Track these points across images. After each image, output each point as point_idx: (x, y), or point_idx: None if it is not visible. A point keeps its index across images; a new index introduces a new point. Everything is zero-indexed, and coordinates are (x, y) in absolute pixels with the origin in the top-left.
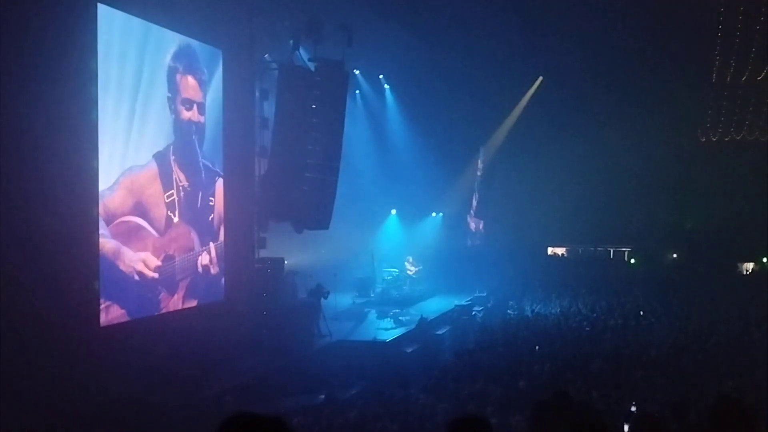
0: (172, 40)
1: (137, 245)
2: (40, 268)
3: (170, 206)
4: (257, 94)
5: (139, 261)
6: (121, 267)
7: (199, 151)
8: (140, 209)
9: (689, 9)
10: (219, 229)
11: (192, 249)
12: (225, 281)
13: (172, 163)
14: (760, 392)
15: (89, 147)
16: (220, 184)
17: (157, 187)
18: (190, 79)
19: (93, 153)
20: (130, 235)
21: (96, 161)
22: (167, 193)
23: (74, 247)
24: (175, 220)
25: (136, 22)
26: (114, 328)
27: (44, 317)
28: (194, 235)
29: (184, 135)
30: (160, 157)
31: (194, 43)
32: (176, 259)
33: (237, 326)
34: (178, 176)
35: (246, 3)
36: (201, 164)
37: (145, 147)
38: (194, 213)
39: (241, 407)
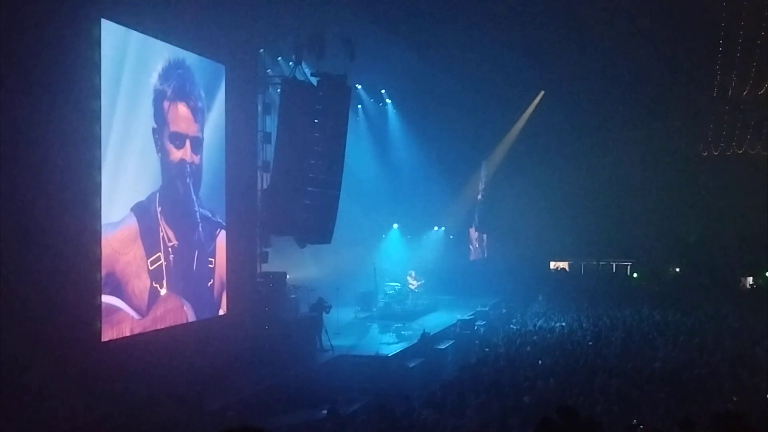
0: (162, 56)
1: (109, 333)
2: (41, 282)
3: (155, 275)
4: (260, 108)
5: None
6: None
7: (195, 197)
8: (113, 284)
9: (691, 24)
10: (221, 299)
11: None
12: (227, 296)
13: (159, 216)
14: (764, 408)
15: (92, 162)
16: (222, 238)
17: (137, 250)
18: (182, 108)
19: (96, 168)
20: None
21: (99, 175)
22: (152, 258)
23: (75, 263)
24: (163, 292)
25: (130, 36)
26: (115, 342)
27: (45, 332)
28: (188, 310)
29: (175, 177)
30: (140, 210)
31: (195, 59)
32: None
33: (239, 341)
34: (167, 234)
35: (249, 18)
36: (198, 214)
37: (121, 197)
38: (188, 280)
39: (243, 422)
